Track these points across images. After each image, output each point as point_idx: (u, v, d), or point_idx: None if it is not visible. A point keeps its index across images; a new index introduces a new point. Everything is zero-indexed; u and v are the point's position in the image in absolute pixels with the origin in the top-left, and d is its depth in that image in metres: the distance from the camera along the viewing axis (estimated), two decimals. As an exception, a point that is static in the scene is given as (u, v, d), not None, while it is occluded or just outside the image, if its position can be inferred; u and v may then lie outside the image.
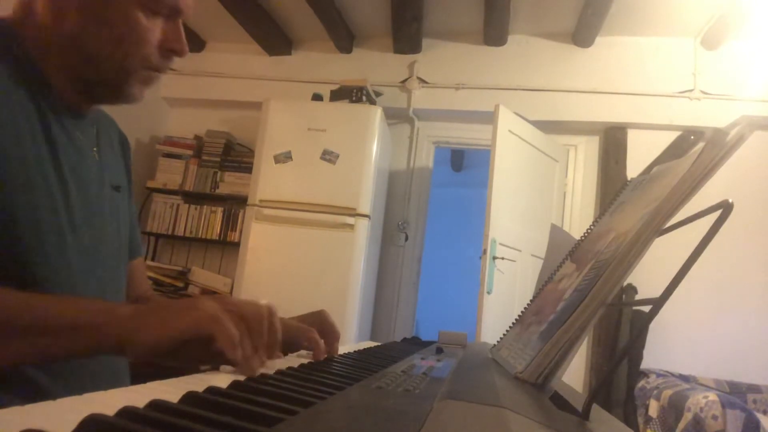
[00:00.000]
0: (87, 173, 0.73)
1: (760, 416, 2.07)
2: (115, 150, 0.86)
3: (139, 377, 0.47)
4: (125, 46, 0.68)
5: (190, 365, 0.49)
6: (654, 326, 2.83)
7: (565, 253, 0.69)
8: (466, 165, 5.96)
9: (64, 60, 0.69)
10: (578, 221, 3.28)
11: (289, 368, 0.52)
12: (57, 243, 0.65)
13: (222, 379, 0.39)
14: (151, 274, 3.25)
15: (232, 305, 0.51)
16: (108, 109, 0.82)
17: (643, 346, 2.86)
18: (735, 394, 2.62)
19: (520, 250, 2.90)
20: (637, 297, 2.79)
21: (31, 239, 0.62)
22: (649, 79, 3.19)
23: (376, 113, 2.99)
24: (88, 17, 0.66)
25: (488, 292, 2.64)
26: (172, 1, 0.69)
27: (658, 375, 2.70)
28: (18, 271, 0.61)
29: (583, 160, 3.39)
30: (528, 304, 0.72)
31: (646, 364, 2.86)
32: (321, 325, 0.71)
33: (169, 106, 3.98)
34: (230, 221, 3.47)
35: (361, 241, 2.85)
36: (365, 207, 2.88)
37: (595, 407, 0.40)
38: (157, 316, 0.49)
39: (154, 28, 0.69)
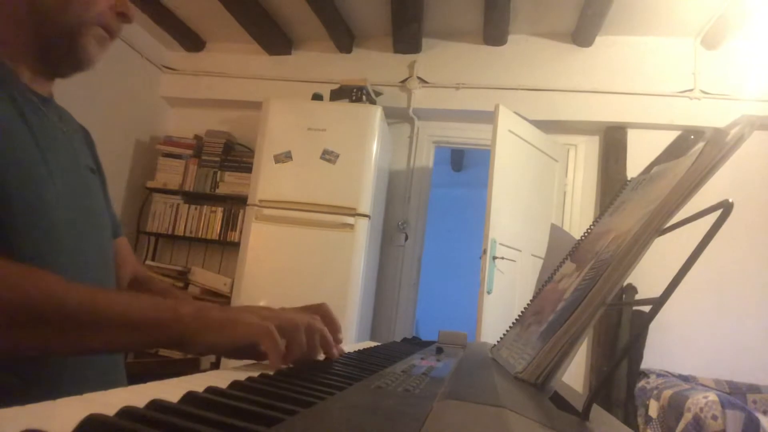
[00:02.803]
0: (63, 153, 0.74)
1: (759, 416, 2.07)
2: (81, 138, 0.87)
3: (138, 378, 0.48)
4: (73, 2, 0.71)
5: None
6: (654, 326, 2.83)
7: (565, 253, 0.69)
8: (466, 165, 5.96)
9: (23, 28, 0.70)
10: (578, 221, 3.28)
11: (289, 368, 0.52)
12: (46, 220, 0.66)
13: (222, 379, 0.39)
14: (151, 275, 3.24)
15: (274, 318, 0.57)
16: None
17: (643, 346, 2.86)
18: (735, 394, 2.62)
19: (520, 250, 2.90)
20: (637, 297, 2.79)
21: (22, 215, 0.63)
22: (649, 78, 3.19)
23: (376, 113, 2.99)
24: None
25: (488, 292, 2.64)
26: None
27: (658, 375, 2.70)
28: (6, 249, 0.61)
29: (583, 160, 3.39)
30: (528, 304, 0.72)
31: (646, 364, 2.86)
32: (321, 317, 0.72)
33: (169, 106, 3.98)
34: (230, 221, 3.47)
35: (361, 241, 2.85)
36: (365, 207, 2.88)
37: (595, 407, 0.40)
38: (218, 321, 0.54)
39: None
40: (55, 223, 0.67)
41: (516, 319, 0.73)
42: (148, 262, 3.50)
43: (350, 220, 2.85)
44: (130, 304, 0.54)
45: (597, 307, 0.42)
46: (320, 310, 0.73)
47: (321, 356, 0.62)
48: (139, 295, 0.57)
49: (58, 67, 0.77)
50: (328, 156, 2.94)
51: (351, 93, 3.15)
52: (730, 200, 0.34)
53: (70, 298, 0.52)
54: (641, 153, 3.15)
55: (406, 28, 3.30)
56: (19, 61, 0.72)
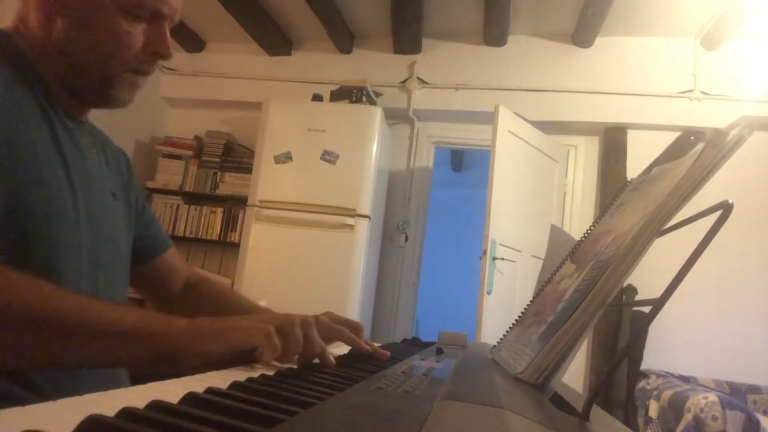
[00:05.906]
0: (90, 176, 0.75)
1: (760, 417, 2.07)
2: (111, 163, 0.88)
3: (139, 378, 0.48)
4: (106, 51, 0.70)
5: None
6: (654, 327, 2.83)
7: (565, 253, 0.69)
8: (466, 165, 5.96)
9: (54, 67, 0.71)
10: (578, 221, 3.28)
11: (289, 369, 0.52)
12: (65, 239, 0.67)
13: (222, 380, 0.39)
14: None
15: (271, 320, 0.57)
16: (105, 110, 0.83)
17: (643, 347, 2.86)
18: (735, 394, 2.62)
19: (520, 251, 2.90)
20: (638, 297, 2.79)
21: (41, 230, 0.63)
22: (649, 79, 3.19)
23: (376, 113, 2.99)
24: (72, 24, 0.69)
25: (488, 293, 2.64)
26: (153, 5, 0.71)
27: (659, 376, 2.70)
28: (20, 259, 0.62)
29: (583, 161, 3.39)
30: (528, 305, 0.72)
31: (646, 364, 2.86)
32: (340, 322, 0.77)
33: (169, 106, 3.98)
34: (230, 222, 3.47)
35: (361, 242, 2.85)
36: (365, 207, 2.88)
37: (595, 408, 0.40)
38: (213, 330, 0.54)
39: (136, 33, 0.71)
40: (70, 242, 0.68)
41: (516, 320, 0.73)
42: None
43: (350, 220, 2.85)
44: (122, 315, 0.54)
45: (597, 307, 0.42)
46: (338, 317, 0.77)
47: (333, 353, 0.62)
48: (134, 309, 0.58)
49: (90, 106, 0.78)
50: (328, 157, 2.94)
51: (351, 94, 3.15)
52: (730, 201, 0.34)
53: (64, 305, 0.52)
54: (641, 154, 3.15)
55: (406, 29, 3.30)
56: (56, 88, 0.73)
